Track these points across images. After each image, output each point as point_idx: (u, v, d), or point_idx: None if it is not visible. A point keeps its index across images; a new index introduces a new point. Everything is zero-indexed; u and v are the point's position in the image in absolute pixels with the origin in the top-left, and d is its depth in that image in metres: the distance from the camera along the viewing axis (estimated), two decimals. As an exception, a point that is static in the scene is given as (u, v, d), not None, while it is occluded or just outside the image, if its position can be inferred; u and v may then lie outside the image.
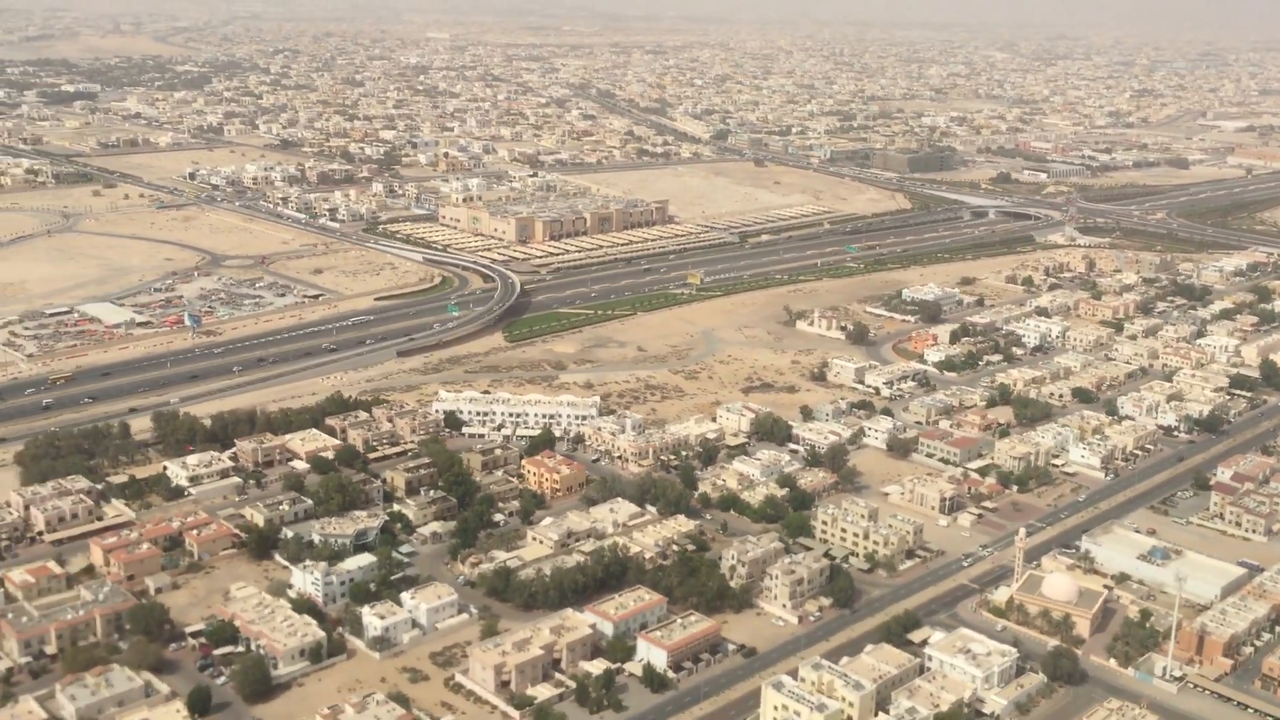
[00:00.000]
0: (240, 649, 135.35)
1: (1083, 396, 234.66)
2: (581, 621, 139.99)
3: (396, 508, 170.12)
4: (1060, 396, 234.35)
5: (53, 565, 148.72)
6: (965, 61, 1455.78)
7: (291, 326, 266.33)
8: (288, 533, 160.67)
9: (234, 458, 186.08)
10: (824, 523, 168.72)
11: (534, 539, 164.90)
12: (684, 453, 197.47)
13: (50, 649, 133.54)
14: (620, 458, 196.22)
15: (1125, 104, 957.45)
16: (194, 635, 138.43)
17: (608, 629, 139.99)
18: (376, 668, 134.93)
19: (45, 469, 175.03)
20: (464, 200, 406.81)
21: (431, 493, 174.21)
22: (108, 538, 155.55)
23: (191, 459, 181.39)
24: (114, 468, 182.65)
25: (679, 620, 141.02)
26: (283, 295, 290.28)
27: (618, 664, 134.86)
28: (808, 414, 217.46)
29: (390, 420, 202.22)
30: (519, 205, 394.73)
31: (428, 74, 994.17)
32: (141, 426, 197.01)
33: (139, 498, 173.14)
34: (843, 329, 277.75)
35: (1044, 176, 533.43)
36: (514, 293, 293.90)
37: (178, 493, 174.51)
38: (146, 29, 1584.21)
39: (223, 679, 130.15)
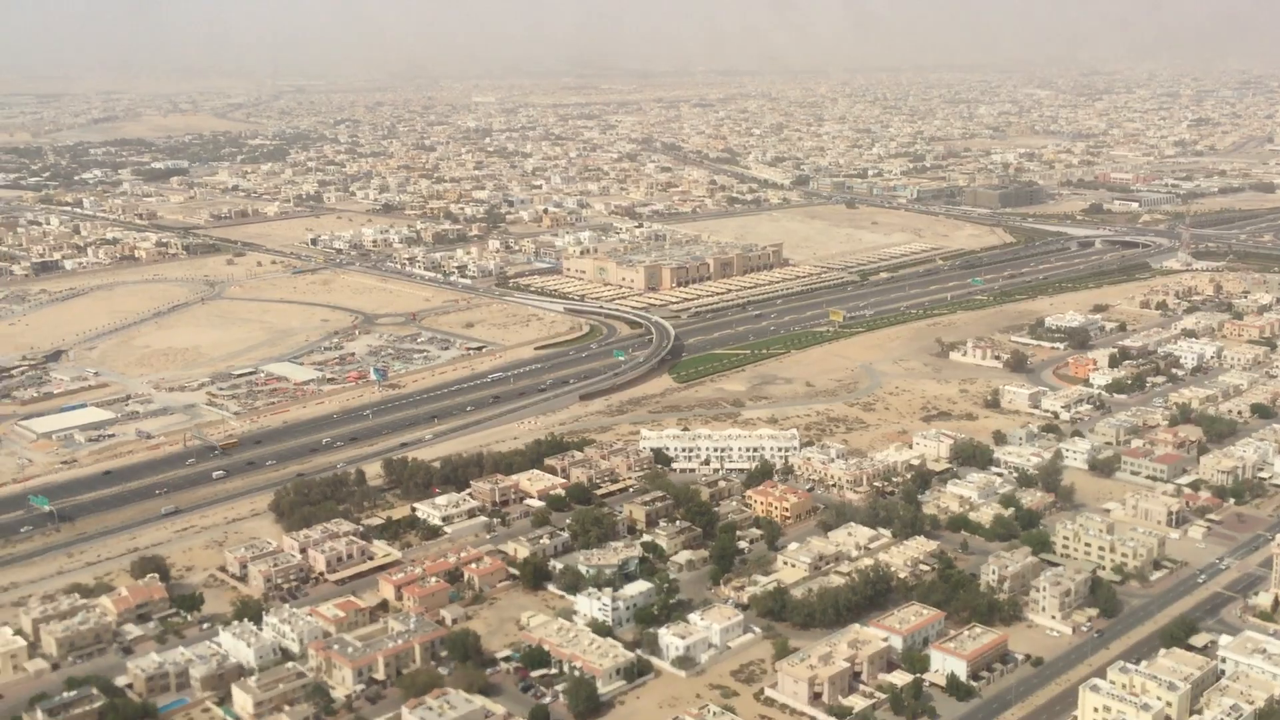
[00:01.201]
0: (554, 671, 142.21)
1: (1262, 412, 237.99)
2: (874, 636, 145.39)
3: (647, 538, 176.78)
4: (1240, 413, 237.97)
5: (357, 600, 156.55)
6: (1010, 100, 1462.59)
7: (465, 377, 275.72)
8: (556, 564, 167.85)
9: (470, 498, 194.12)
10: (1065, 538, 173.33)
11: (785, 563, 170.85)
12: (895, 478, 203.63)
13: (379, 675, 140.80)
14: (835, 485, 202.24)
15: (1185, 133, 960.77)
16: (505, 660, 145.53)
17: (897, 642, 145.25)
18: (685, 685, 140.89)
19: (307, 514, 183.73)
20: (581, 253, 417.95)
21: (677, 523, 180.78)
22: (394, 574, 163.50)
23: (440, 500, 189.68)
24: (359, 512, 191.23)
25: (966, 632, 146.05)
26: (446, 349, 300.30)
27: (916, 674, 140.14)
28: (1000, 439, 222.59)
29: (605, 458, 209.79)
30: (639, 254, 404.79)
31: (491, 135, 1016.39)
32: (373, 473, 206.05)
33: (397, 538, 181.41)
34: (997, 358, 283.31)
35: (1135, 206, 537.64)
36: (669, 337, 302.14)
37: (434, 532, 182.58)
38: (204, 107, 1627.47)
39: (547, 699, 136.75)
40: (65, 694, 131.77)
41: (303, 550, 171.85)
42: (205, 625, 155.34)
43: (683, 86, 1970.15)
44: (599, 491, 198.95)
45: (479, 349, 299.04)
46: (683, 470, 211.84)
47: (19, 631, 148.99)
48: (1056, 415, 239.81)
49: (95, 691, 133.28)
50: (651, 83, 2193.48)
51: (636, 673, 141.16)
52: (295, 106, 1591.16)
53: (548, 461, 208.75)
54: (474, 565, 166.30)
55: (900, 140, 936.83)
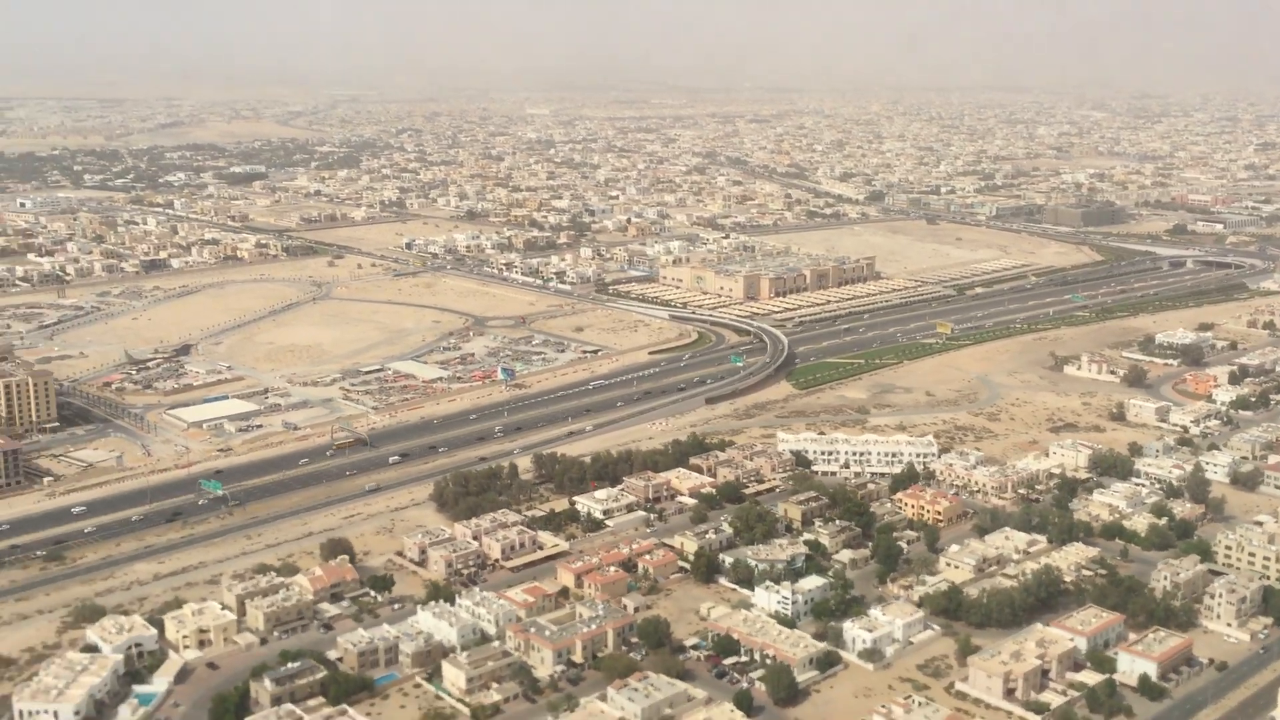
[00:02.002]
0: (744, 659, 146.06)
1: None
2: (1059, 636, 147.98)
3: (808, 536, 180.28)
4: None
5: (542, 586, 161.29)
6: (1068, 121, 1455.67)
7: (586, 379, 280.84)
8: (725, 558, 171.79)
9: (625, 493, 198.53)
10: (1227, 548, 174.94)
11: (948, 564, 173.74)
12: (1037, 486, 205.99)
13: (577, 658, 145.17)
14: (978, 491, 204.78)
15: (1253, 156, 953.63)
16: (693, 648, 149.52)
17: (1081, 643, 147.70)
18: (874, 677, 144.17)
19: (473, 505, 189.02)
20: (674, 261, 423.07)
21: (836, 522, 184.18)
22: (572, 563, 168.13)
23: (599, 494, 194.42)
24: (515, 504, 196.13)
25: (1151, 635, 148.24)
26: (561, 351, 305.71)
27: (1105, 674, 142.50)
28: (1136, 450, 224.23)
29: (749, 459, 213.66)
30: (734, 264, 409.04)
31: (555, 147, 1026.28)
32: (523, 467, 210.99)
33: (560, 529, 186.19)
34: (1113, 372, 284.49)
35: (1219, 227, 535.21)
36: (782, 345, 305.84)
37: (596, 525, 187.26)
38: (265, 114, 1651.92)
39: (742, 685, 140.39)
40: (289, 665, 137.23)
41: (476, 538, 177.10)
42: (396, 606, 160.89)
43: (732, 102, 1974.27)
44: (746, 491, 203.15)
45: (594, 352, 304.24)
46: (822, 473, 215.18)
47: (225, 606, 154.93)
48: (1185, 429, 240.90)
49: (315, 663, 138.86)
50: (700, 98, 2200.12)
51: (827, 663, 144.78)
52: (354, 115, 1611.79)
53: (692, 461, 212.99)
54: (647, 557, 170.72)
55: (965, 159, 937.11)
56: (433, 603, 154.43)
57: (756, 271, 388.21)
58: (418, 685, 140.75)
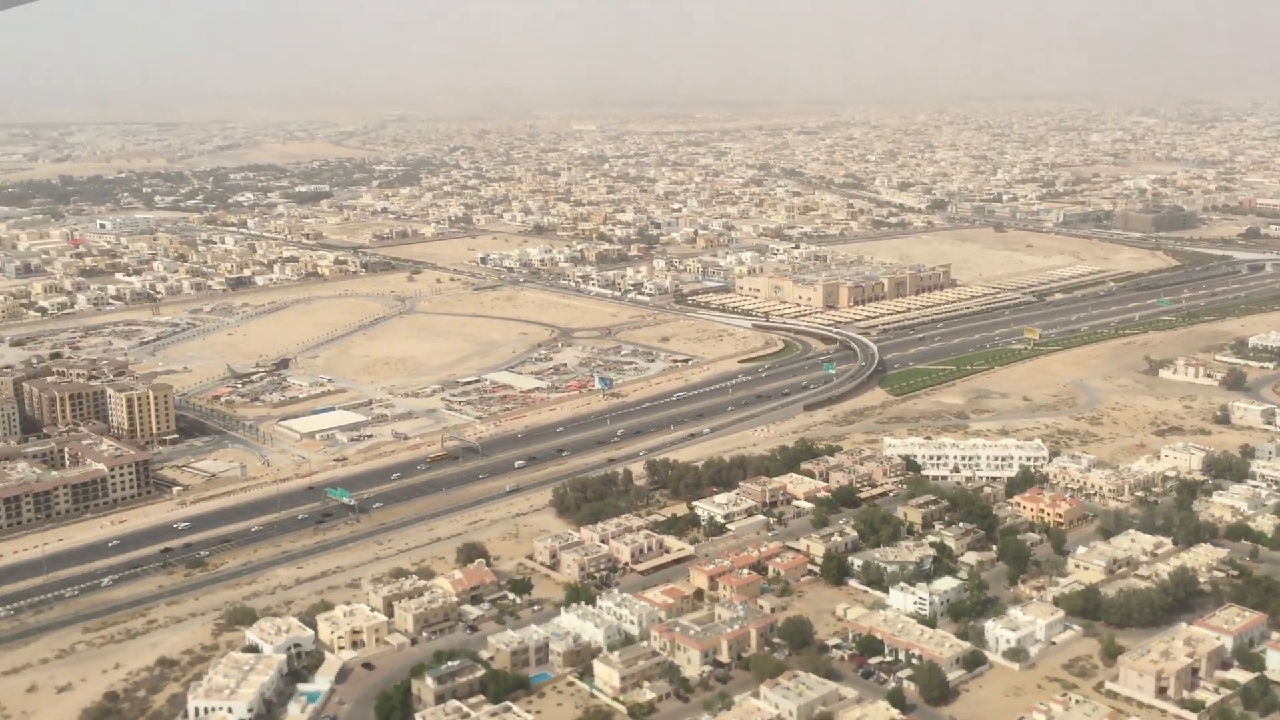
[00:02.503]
0: (888, 659, 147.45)
1: None
2: (1205, 635, 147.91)
3: (933, 539, 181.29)
4: None
5: (679, 588, 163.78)
6: (1120, 128, 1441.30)
7: (680, 388, 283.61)
8: (855, 560, 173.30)
9: (742, 498, 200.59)
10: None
11: (1077, 565, 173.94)
12: (1153, 488, 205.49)
13: (723, 658, 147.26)
14: (1095, 494, 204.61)
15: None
16: (835, 647, 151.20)
17: (1228, 642, 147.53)
18: (1021, 677, 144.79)
19: (596, 510, 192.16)
20: (748, 272, 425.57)
21: (960, 525, 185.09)
22: (703, 565, 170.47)
23: (719, 499, 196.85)
24: (633, 509, 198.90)
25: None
26: (651, 361, 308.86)
27: (1256, 672, 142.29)
28: (1248, 453, 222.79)
29: (860, 464, 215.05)
30: (810, 274, 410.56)
31: (609, 162, 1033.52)
32: (635, 473, 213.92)
33: (683, 534, 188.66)
34: (1210, 375, 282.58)
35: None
36: (872, 352, 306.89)
37: (718, 529, 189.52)
38: (318, 135, 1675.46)
39: (891, 684, 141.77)
40: (449, 664, 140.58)
41: (604, 542, 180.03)
42: (536, 608, 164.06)
43: (775, 115, 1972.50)
44: (860, 495, 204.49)
45: (685, 361, 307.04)
46: (933, 477, 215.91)
47: (374, 609, 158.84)
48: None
49: (473, 662, 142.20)
50: (743, 111, 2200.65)
51: (973, 663, 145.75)
52: (405, 134, 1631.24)
53: (803, 466, 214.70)
54: (777, 560, 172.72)
55: (1022, 166, 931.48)
56: (575, 604, 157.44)
57: (835, 280, 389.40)
58: (570, 684, 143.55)
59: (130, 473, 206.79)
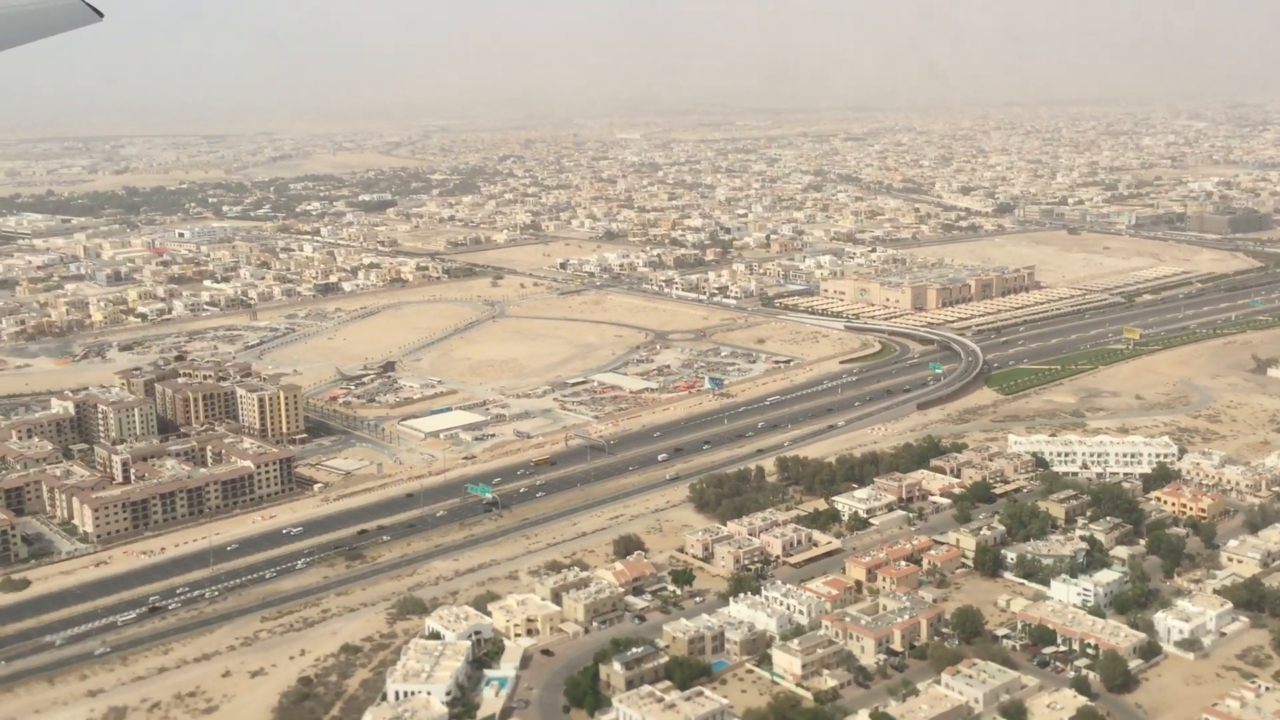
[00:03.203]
0: (1062, 648, 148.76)
1: None
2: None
3: (1082, 533, 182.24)
4: None
5: (841, 578, 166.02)
6: (1171, 131, 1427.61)
7: (787, 388, 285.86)
8: (1008, 554, 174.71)
9: (880, 493, 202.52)
10: None
11: (1230, 558, 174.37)
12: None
13: (896, 646, 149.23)
14: (1231, 490, 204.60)
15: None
16: (1004, 637, 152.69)
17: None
18: (1198, 666, 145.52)
19: (738, 504, 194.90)
20: (829, 275, 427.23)
21: (1108, 519, 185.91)
22: (861, 558, 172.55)
23: (859, 494, 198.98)
24: (770, 505, 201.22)
25: None
26: (753, 362, 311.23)
27: None
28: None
29: (989, 460, 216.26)
30: (895, 276, 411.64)
31: (663, 169, 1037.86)
32: (766, 470, 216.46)
33: (825, 528, 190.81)
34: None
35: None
36: (975, 351, 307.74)
37: (862, 523, 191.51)
38: (365, 146, 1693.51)
39: (1069, 673, 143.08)
40: (634, 650, 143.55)
41: (753, 535, 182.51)
42: (698, 599, 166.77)
43: (816, 122, 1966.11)
44: (995, 491, 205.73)
45: (786, 362, 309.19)
46: (1062, 474, 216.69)
47: (543, 599, 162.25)
48: None
49: (657, 649, 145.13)
50: (783, 118, 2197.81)
51: (1149, 653, 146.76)
52: (452, 144, 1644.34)
53: (933, 463, 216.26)
54: (931, 552, 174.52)
55: (1080, 170, 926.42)
56: (742, 595, 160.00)
57: (923, 282, 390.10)
58: (750, 671, 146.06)
59: (275, 470, 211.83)
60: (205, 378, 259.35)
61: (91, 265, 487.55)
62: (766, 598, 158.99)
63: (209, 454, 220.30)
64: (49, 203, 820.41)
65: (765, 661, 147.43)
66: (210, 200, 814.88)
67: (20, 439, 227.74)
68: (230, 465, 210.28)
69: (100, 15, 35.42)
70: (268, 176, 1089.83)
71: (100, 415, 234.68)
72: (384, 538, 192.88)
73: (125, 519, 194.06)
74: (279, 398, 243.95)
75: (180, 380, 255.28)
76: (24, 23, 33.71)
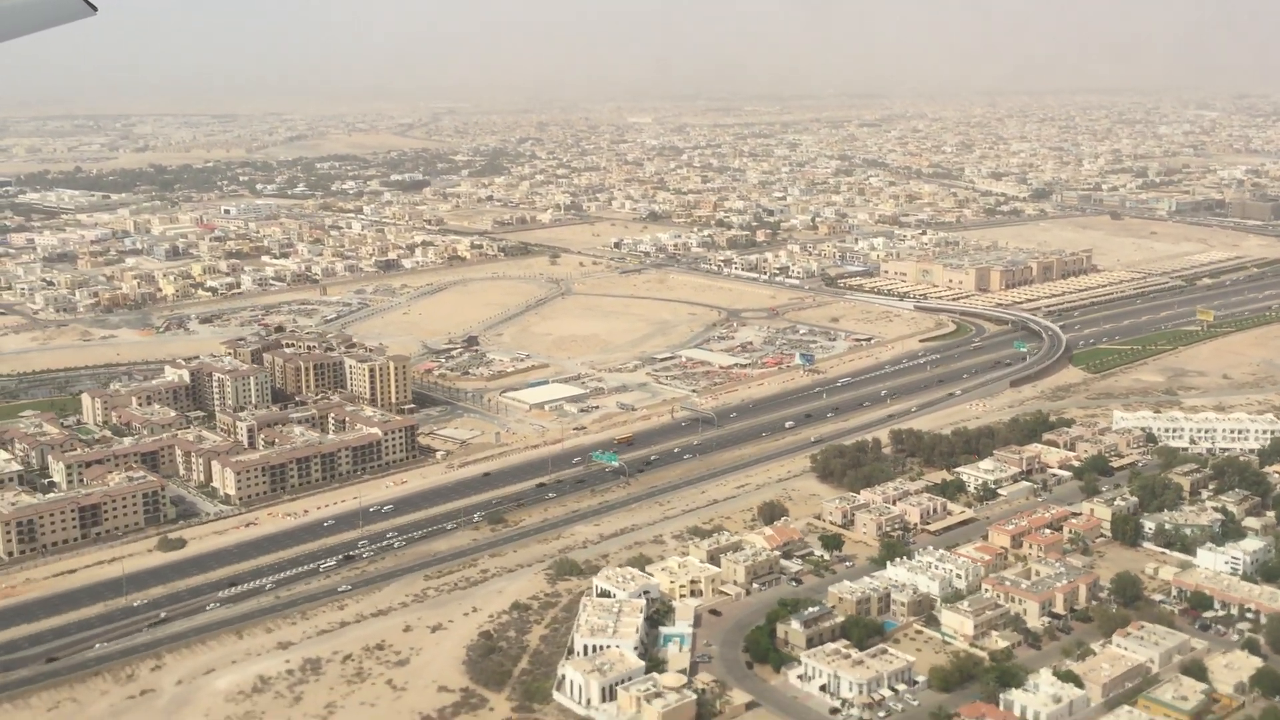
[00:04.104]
0: (1220, 613, 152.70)
1: None
2: None
3: (1213, 504, 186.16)
4: None
5: (988, 545, 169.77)
6: (1186, 121, 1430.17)
7: (873, 365, 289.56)
8: (1147, 523, 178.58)
9: (1001, 465, 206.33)
10: None
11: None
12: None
13: (1058, 609, 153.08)
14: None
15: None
16: (1160, 603, 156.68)
17: None
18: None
19: (866, 474, 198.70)
20: (886, 257, 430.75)
21: (1237, 491, 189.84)
22: (1004, 526, 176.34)
23: (983, 465, 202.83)
24: (892, 475, 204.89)
25: None
26: (833, 340, 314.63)
27: None
28: None
29: (1100, 435, 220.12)
30: (953, 258, 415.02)
31: (685, 154, 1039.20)
32: (881, 441, 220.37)
33: (952, 498, 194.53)
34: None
35: None
36: (1055, 331, 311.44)
37: (990, 493, 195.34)
38: (379, 127, 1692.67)
39: (1232, 637, 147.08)
40: (810, 610, 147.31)
41: (890, 503, 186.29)
42: (848, 564, 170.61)
43: (821, 109, 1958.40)
44: (1112, 464, 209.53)
45: (867, 340, 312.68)
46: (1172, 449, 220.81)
47: (702, 561, 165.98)
48: None
49: (831, 609, 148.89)
50: (790, 105, 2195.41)
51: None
52: (465, 126, 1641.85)
53: (1046, 437, 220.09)
54: (1072, 520, 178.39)
55: (1105, 158, 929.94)
56: (899, 559, 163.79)
57: (986, 264, 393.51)
58: (919, 631, 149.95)
59: (400, 437, 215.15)
60: (310, 348, 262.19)
61: (146, 240, 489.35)
62: (923, 562, 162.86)
63: (330, 421, 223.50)
64: (79, 179, 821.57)
65: (931, 623, 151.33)
66: (242, 178, 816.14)
67: (141, 405, 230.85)
68: (358, 432, 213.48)
69: (94, 9, 34.71)
70: (290, 156, 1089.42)
71: (216, 383, 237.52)
72: (519, 503, 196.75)
73: (264, 482, 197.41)
74: (389, 368, 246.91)
75: (289, 350, 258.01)
76: (15, 17, 32.94)
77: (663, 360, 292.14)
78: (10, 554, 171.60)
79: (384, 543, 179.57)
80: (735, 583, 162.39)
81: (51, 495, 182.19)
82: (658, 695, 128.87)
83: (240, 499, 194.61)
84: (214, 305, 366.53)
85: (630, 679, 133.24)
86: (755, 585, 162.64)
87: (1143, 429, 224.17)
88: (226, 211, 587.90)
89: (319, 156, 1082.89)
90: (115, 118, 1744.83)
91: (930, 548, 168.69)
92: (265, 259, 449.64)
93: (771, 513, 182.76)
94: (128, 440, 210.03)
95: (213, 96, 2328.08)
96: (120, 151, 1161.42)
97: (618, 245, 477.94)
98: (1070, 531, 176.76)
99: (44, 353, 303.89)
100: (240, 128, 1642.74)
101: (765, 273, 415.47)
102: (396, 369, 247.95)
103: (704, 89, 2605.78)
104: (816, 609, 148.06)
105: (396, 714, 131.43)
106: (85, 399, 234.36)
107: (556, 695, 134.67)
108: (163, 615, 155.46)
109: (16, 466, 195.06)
